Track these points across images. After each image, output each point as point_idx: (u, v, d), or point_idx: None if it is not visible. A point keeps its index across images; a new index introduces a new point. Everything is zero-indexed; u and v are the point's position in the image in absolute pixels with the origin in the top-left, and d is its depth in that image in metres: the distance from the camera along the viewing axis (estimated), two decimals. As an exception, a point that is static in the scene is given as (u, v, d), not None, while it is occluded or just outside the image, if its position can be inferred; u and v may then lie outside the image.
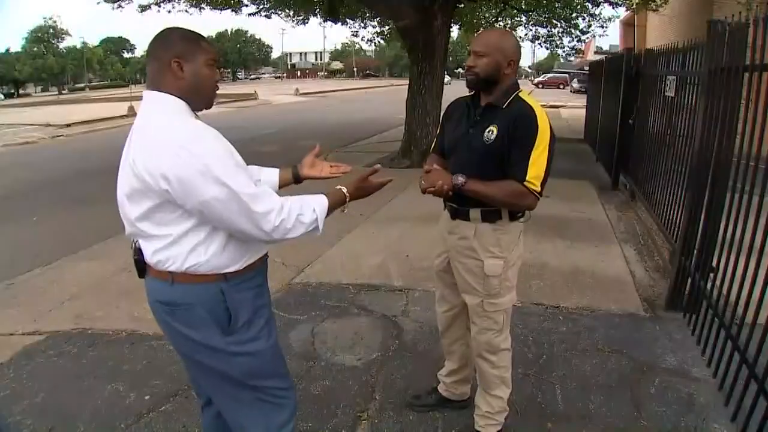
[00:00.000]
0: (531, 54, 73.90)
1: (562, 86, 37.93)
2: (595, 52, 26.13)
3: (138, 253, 1.44)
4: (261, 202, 1.31)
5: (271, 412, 1.54)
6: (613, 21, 18.10)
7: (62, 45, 53.37)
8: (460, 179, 1.79)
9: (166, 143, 1.27)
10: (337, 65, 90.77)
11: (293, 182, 1.78)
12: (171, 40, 1.37)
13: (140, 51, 74.47)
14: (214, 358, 1.44)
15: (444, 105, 2.17)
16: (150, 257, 1.40)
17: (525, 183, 1.74)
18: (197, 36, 1.41)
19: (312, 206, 1.41)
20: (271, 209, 1.32)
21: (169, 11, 11.19)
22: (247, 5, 11.50)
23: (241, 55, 76.14)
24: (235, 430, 1.58)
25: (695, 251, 3.06)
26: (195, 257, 1.36)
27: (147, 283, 1.46)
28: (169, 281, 1.38)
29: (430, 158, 2.09)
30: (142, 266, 1.45)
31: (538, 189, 1.75)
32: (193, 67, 1.37)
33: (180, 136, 1.27)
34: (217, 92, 1.47)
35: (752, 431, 2.05)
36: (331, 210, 1.48)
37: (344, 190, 1.54)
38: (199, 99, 1.41)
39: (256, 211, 1.30)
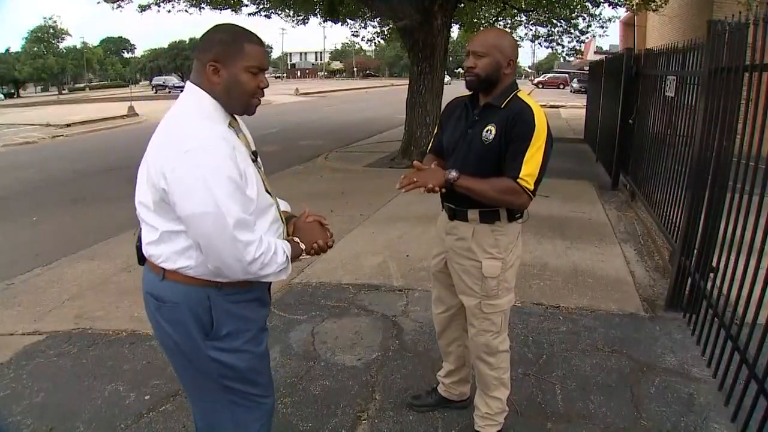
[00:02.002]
0: (531, 54, 73.96)
1: (562, 86, 37.99)
2: (595, 52, 26.08)
3: (140, 240, 1.43)
4: (247, 231, 1.27)
5: (243, 413, 1.51)
6: (613, 21, 18.15)
7: (62, 45, 53.39)
8: (453, 174, 1.79)
9: (177, 144, 1.25)
10: (337, 65, 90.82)
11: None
12: (212, 42, 1.33)
13: (140, 51, 74.57)
14: (193, 359, 1.43)
15: (444, 105, 2.17)
16: (144, 249, 1.40)
17: (518, 180, 1.73)
18: (241, 38, 1.33)
19: (283, 249, 1.38)
20: (254, 240, 1.29)
21: (169, 11, 11.23)
22: (247, 5, 11.50)
23: (241, 55, 75.81)
24: (201, 426, 1.56)
25: (695, 251, 3.06)
26: (186, 260, 1.34)
27: (144, 270, 1.46)
28: (160, 276, 1.38)
29: (427, 158, 2.09)
30: (142, 254, 1.44)
31: (531, 187, 1.75)
32: (230, 72, 1.32)
33: (192, 141, 1.25)
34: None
35: (752, 431, 2.05)
36: (295, 256, 1.44)
37: (297, 239, 1.49)
38: (233, 104, 1.37)
39: (240, 239, 1.26)
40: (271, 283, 1.53)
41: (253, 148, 1.48)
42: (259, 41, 1.37)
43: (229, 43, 1.32)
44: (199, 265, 1.34)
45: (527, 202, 1.79)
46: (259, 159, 1.49)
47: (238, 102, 1.37)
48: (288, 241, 1.47)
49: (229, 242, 1.25)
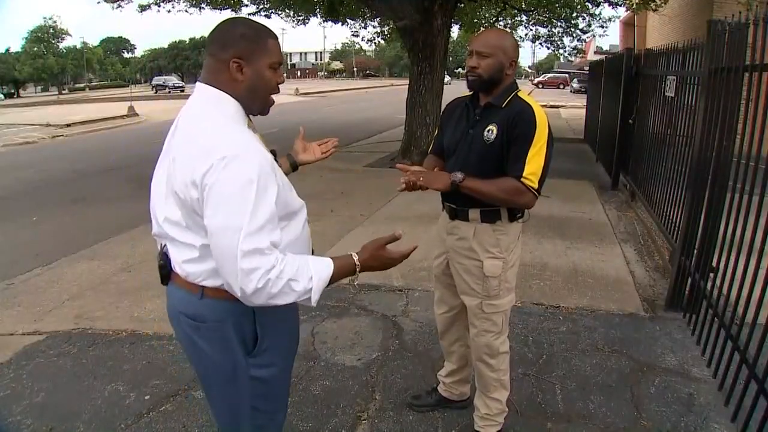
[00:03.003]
0: (531, 54, 73.89)
1: (562, 86, 38.02)
2: (595, 52, 26.13)
3: (164, 258, 1.32)
4: (254, 257, 1.14)
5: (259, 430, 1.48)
6: (613, 21, 18.15)
7: (62, 45, 53.41)
8: (459, 176, 1.79)
9: (207, 152, 1.15)
10: (337, 65, 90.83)
11: (291, 171, 1.74)
12: (232, 38, 1.24)
13: (140, 51, 74.62)
14: (232, 379, 1.35)
15: (444, 105, 2.17)
16: (179, 267, 1.29)
17: (522, 179, 1.73)
18: (263, 34, 1.27)
19: (310, 274, 1.23)
20: (257, 267, 1.13)
21: (169, 11, 11.25)
22: (247, 5, 11.52)
23: (241, 55, 76.06)
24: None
25: (695, 251, 3.06)
26: None
27: (171, 291, 1.35)
28: (198, 294, 1.28)
29: (428, 159, 2.10)
30: (166, 272, 1.33)
31: (536, 186, 1.74)
32: (254, 69, 1.25)
33: (223, 148, 1.15)
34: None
35: (752, 431, 2.05)
36: (335, 280, 1.30)
37: (355, 258, 1.34)
38: (254, 103, 1.30)
39: (241, 267, 1.13)
40: None
41: (271, 148, 1.40)
42: (275, 35, 1.31)
43: (253, 39, 1.25)
44: None
45: (532, 201, 1.78)
46: (277, 158, 1.43)
47: (261, 100, 1.31)
48: (338, 258, 1.33)
49: (232, 265, 1.14)
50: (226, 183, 1.13)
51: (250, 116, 1.34)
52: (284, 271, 1.18)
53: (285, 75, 1.41)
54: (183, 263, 1.28)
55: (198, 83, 1.29)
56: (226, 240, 1.14)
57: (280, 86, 1.35)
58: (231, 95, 1.26)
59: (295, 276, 1.20)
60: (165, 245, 1.33)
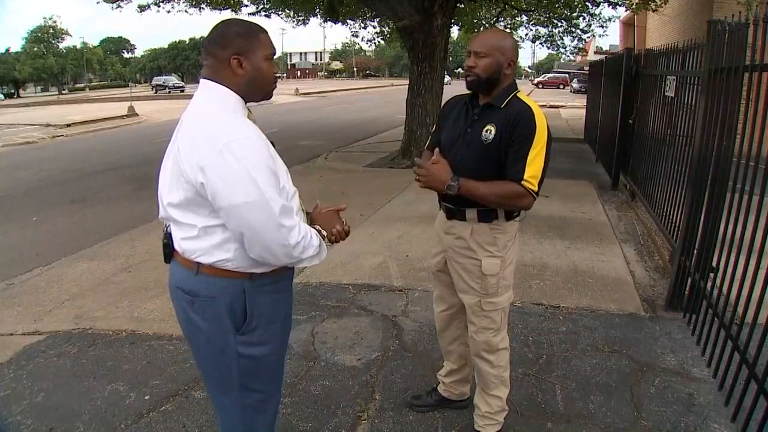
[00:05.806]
0: (531, 54, 73.90)
1: (562, 86, 38.00)
2: (595, 52, 26.13)
3: (168, 237, 1.45)
4: (289, 217, 1.31)
5: (253, 415, 1.54)
6: (613, 21, 18.18)
7: (62, 45, 53.40)
8: (453, 187, 1.78)
9: (212, 139, 1.26)
10: (337, 65, 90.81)
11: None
12: (229, 37, 1.36)
13: (140, 51, 74.61)
14: (222, 354, 1.44)
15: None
16: (178, 244, 1.42)
17: (522, 182, 1.74)
18: (256, 30, 1.40)
19: (313, 232, 1.43)
20: (295, 224, 1.33)
21: (169, 11, 11.26)
22: (247, 5, 11.54)
23: (241, 55, 75.95)
24: (220, 421, 1.59)
25: (695, 251, 3.06)
26: (224, 252, 1.36)
27: (172, 267, 1.47)
28: (193, 271, 1.39)
29: (425, 154, 2.09)
30: (169, 251, 1.45)
31: (536, 188, 1.75)
32: (252, 62, 1.37)
33: (226, 133, 1.27)
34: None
35: (752, 431, 2.05)
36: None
37: (317, 226, 1.52)
38: (257, 93, 1.43)
39: (284, 224, 1.29)
40: (293, 273, 1.57)
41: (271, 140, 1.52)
42: (266, 30, 1.44)
43: (247, 35, 1.37)
44: (237, 258, 1.36)
45: (532, 203, 1.79)
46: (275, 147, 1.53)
47: (263, 89, 1.43)
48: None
49: (275, 229, 1.29)
50: (234, 164, 1.25)
51: (250, 109, 1.45)
52: (305, 227, 1.38)
53: (285, 75, 1.47)
54: (181, 240, 1.40)
55: (202, 80, 1.40)
56: (256, 212, 1.27)
57: (278, 84, 1.43)
58: (233, 89, 1.37)
59: (310, 233, 1.39)
60: (169, 226, 1.45)
